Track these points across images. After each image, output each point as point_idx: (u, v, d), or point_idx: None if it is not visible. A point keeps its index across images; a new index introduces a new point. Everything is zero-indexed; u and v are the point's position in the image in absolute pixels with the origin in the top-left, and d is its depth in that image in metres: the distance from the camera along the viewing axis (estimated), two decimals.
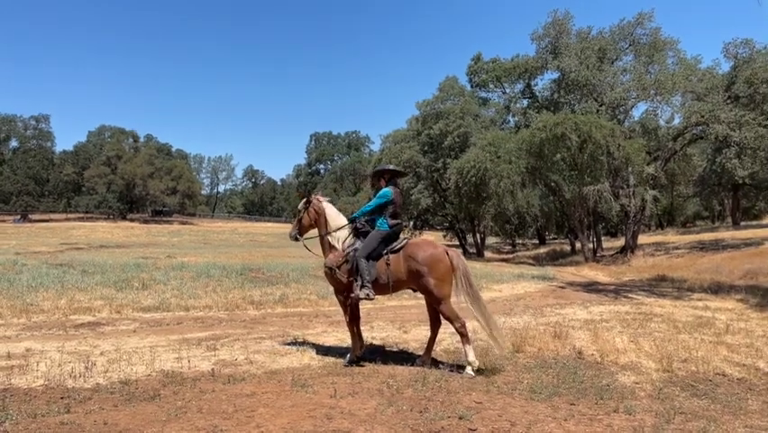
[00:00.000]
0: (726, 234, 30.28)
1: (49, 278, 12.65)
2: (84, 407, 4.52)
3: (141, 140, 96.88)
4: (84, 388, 5.05)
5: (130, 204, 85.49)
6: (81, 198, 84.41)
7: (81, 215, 79.82)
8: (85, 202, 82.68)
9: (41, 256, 21.89)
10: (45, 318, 8.74)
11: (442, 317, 5.99)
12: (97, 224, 68.00)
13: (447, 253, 5.89)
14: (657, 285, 16.95)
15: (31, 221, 70.68)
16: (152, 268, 15.59)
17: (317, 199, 6.55)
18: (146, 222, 78.13)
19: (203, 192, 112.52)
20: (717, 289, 14.63)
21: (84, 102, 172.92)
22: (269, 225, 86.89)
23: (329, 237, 6.34)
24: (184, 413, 4.39)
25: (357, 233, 6.22)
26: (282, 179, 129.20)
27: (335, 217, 6.42)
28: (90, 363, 5.78)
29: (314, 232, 6.59)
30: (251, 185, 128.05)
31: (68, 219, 73.75)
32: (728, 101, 25.59)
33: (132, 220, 78.44)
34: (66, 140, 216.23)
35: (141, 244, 40.48)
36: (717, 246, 24.36)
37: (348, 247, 6.14)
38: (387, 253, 5.97)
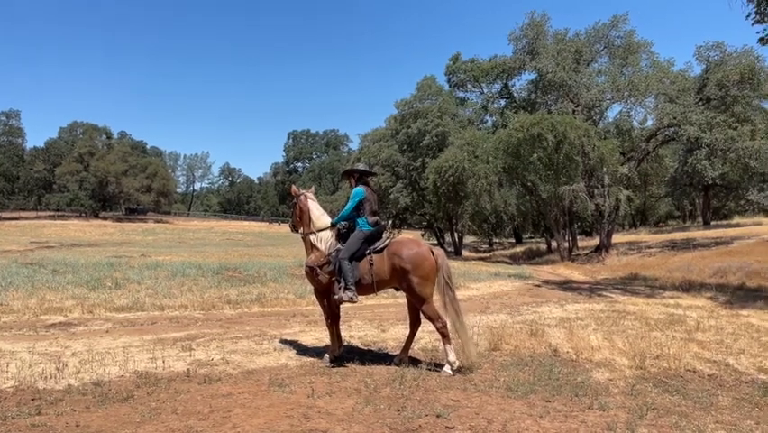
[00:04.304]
0: (697, 234, 30.98)
1: (18, 277, 12.35)
2: (55, 408, 4.42)
3: (115, 137, 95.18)
4: (55, 389, 4.94)
5: (103, 202, 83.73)
6: (52, 196, 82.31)
7: (52, 213, 77.83)
8: (56, 200, 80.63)
9: (11, 255, 21.38)
10: (15, 319, 8.53)
11: (422, 317, 5.99)
12: (69, 222, 66.54)
13: (432, 252, 5.88)
14: (630, 283, 17.28)
15: (0, 219, 68.84)
16: (126, 267, 15.34)
17: (304, 196, 6.49)
18: (119, 220, 76.68)
19: (178, 190, 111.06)
20: (689, 287, 14.97)
21: (55, 97, 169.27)
22: (246, 223, 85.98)
23: (311, 237, 6.27)
24: (158, 414, 4.32)
25: (339, 234, 6.18)
26: (259, 178, 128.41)
27: (319, 217, 6.33)
28: (61, 365, 5.67)
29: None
30: (227, 183, 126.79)
31: (38, 217, 71.92)
32: (700, 103, 26.16)
33: (104, 218, 76.85)
34: (37, 136, 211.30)
35: (114, 243, 39.79)
36: (688, 245, 24.90)
37: (330, 248, 6.09)
38: (370, 253, 5.91)
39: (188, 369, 5.71)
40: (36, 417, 4.23)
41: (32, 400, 4.62)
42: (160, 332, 7.81)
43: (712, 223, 42.87)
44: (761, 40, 15.19)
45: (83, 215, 76.92)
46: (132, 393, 4.85)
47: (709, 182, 40.17)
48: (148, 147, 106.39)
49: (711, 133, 25.08)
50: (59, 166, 79.80)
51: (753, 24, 14.87)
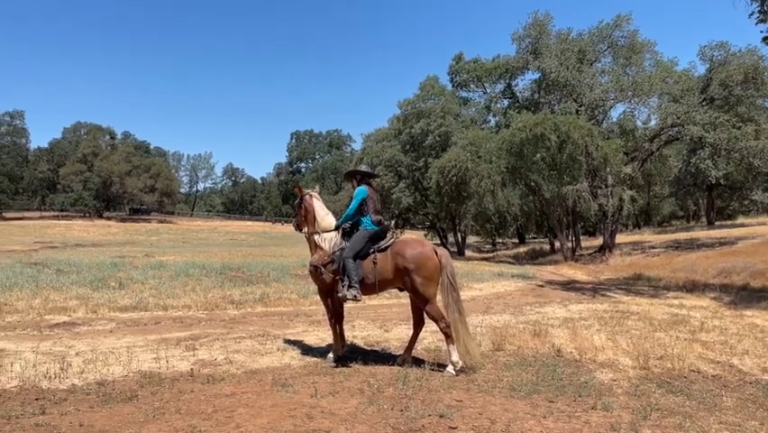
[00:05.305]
0: (701, 234, 30.86)
1: (23, 277, 12.39)
2: (59, 408, 4.44)
3: (119, 137, 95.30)
4: (59, 389, 4.96)
5: (106, 202, 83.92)
6: (56, 196, 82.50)
7: (56, 213, 78.06)
8: (60, 200, 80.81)
9: (15, 255, 21.45)
10: (19, 318, 8.56)
11: (426, 317, 5.99)
12: (73, 222, 66.73)
13: (436, 252, 5.88)
14: (634, 284, 17.24)
15: (4, 219, 69.07)
16: (129, 267, 15.37)
17: (309, 195, 6.50)
18: (123, 220, 76.86)
19: (182, 190, 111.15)
20: (692, 287, 14.93)
21: (59, 98, 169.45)
22: (250, 223, 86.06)
23: (316, 236, 6.30)
24: (162, 414, 4.33)
25: (344, 232, 6.19)
26: (263, 178, 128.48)
27: (324, 216, 6.35)
28: (65, 364, 5.68)
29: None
30: (230, 183, 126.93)
31: (42, 217, 72.12)
32: (703, 103, 26.06)
33: (108, 219, 76.98)
34: (40, 136, 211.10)
35: (117, 243, 39.90)
36: (692, 246, 24.82)
37: (335, 247, 6.10)
38: (374, 252, 5.92)
39: (192, 369, 5.72)
40: (40, 416, 4.24)
41: (36, 399, 4.64)
42: (164, 332, 7.82)
43: (716, 223, 42.66)
44: (765, 39, 15.14)
45: (87, 215, 77.09)
46: (136, 393, 4.86)
47: (713, 182, 39.97)
48: (151, 147, 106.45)
49: (715, 133, 24.98)
50: (62, 166, 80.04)
51: (756, 24, 14.83)
